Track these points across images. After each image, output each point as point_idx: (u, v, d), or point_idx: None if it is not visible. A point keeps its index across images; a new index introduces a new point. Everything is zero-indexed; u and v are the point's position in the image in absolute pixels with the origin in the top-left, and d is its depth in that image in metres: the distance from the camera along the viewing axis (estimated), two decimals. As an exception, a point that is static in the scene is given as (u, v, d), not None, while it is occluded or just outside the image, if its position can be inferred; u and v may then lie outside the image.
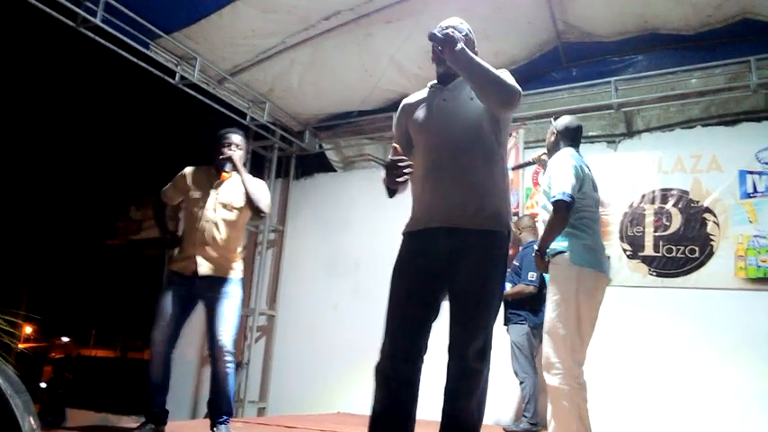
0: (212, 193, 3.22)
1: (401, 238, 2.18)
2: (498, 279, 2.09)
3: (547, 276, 3.01)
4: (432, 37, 2.04)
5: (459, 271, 2.01)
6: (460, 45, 2.00)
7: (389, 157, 2.08)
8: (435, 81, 2.28)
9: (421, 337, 2.04)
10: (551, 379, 2.77)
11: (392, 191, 2.18)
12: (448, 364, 2.02)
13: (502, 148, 2.18)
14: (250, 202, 3.20)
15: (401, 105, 2.34)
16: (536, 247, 3.00)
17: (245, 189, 3.20)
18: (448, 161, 2.08)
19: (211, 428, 3.07)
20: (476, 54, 2.11)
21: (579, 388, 2.74)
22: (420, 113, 2.22)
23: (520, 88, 2.06)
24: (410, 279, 2.07)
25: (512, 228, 2.16)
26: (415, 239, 2.11)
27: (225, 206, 3.22)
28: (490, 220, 2.05)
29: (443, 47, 2.02)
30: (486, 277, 2.03)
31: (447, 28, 2.10)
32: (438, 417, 2.02)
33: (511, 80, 2.04)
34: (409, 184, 2.16)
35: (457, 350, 2.00)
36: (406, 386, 2.02)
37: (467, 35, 2.21)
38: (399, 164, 2.00)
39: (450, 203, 2.05)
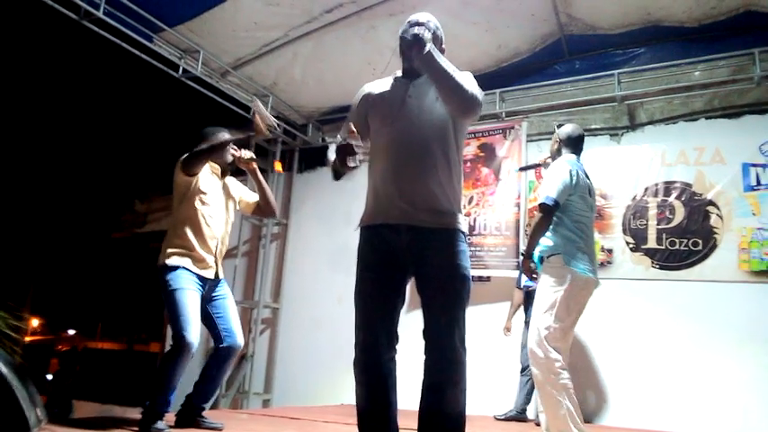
0: (221, 192, 3.20)
1: (359, 232, 2.19)
2: (466, 268, 2.10)
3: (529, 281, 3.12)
4: (401, 40, 2.08)
5: (427, 264, 2.05)
6: (428, 47, 2.01)
7: (340, 136, 2.10)
8: (400, 73, 2.26)
9: (393, 327, 2.08)
10: (537, 370, 2.96)
11: (338, 173, 2.21)
12: (429, 357, 2.03)
13: (460, 152, 2.22)
14: (268, 204, 3.31)
15: (362, 92, 2.31)
16: (522, 251, 3.14)
17: (265, 191, 3.28)
18: (412, 160, 2.09)
19: (198, 415, 3.05)
20: (443, 51, 2.17)
21: (561, 376, 2.89)
22: (383, 105, 2.20)
23: (481, 97, 2.09)
24: (376, 271, 2.10)
25: (465, 229, 2.17)
26: (375, 233, 2.13)
27: (230, 207, 3.25)
28: (449, 219, 2.09)
29: (411, 48, 2.04)
30: (454, 266, 2.05)
31: (415, 25, 2.12)
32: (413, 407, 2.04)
33: (473, 87, 2.06)
34: (355, 169, 2.16)
35: (439, 341, 2.02)
36: (384, 378, 2.05)
37: (434, 33, 2.18)
38: (352, 144, 2.03)
39: (411, 202, 2.06)
